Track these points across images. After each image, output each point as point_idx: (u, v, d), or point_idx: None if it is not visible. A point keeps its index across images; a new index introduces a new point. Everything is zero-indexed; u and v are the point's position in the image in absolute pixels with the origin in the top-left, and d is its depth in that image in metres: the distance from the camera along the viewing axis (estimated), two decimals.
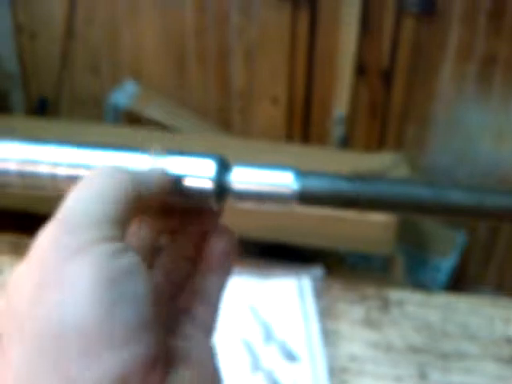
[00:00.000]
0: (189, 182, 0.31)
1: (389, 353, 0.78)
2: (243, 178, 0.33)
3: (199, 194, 0.32)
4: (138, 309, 0.25)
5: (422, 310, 0.86)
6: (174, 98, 1.80)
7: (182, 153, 0.32)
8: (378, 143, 1.84)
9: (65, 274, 0.25)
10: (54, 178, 0.32)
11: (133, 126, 1.68)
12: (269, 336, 0.79)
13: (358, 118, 1.81)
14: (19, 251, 0.95)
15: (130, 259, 0.27)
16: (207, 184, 0.31)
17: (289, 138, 1.85)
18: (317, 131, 1.85)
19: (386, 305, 0.87)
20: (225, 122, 1.81)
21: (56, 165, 0.32)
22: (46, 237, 0.27)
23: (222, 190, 0.32)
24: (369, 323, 0.83)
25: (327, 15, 1.68)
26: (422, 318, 0.85)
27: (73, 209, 0.27)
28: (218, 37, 1.74)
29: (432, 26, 1.66)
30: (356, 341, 0.80)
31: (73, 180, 0.32)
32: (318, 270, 0.90)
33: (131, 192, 0.28)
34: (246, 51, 1.75)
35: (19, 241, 0.99)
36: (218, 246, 0.34)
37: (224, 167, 0.33)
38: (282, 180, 0.33)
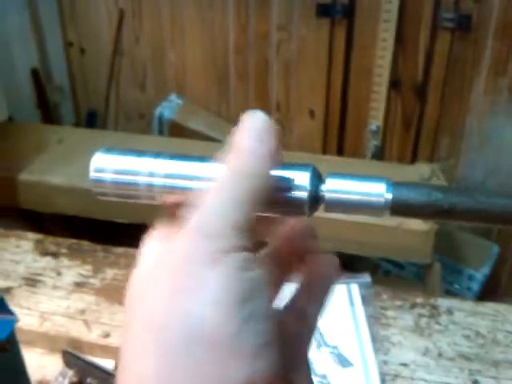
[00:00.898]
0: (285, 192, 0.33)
1: (440, 360, 0.83)
2: (336, 187, 0.34)
3: (294, 203, 0.32)
4: (266, 326, 0.26)
5: (471, 318, 0.91)
6: (216, 111, 1.88)
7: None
8: (411, 155, 1.89)
9: (201, 283, 0.25)
10: (150, 187, 0.33)
11: (177, 137, 1.75)
12: (321, 341, 0.84)
13: (393, 131, 1.86)
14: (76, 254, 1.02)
15: (260, 272, 0.27)
16: (302, 194, 0.32)
17: (325, 149, 1.90)
18: (352, 143, 1.91)
19: (435, 312, 0.92)
20: None
21: (152, 175, 0.33)
22: (181, 244, 0.26)
23: (315, 199, 0.32)
24: (419, 331, 0.88)
25: (364, 31, 1.74)
26: (472, 326, 0.89)
27: (208, 215, 0.27)
28: (259, 53, 1.81)
29: (467, 41, 1.70)
30: (407, 348, 0.85)
31: (168, 190, 0.32)
32: (366, 278, 0.96)
33: (260, 199, 0.28)
34: (284, 66, 1.82)
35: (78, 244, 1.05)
36: (324, 270, 0.34)
37: (317, 177, 0.33)
38: (375, 190, 0.33)
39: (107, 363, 0.83)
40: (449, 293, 1.74)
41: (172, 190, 0.33)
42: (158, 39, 1.84)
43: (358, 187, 0.33)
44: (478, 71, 1.74)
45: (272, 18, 1.75)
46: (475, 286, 1.76)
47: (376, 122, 1.84)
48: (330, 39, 1.75)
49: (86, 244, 1.07)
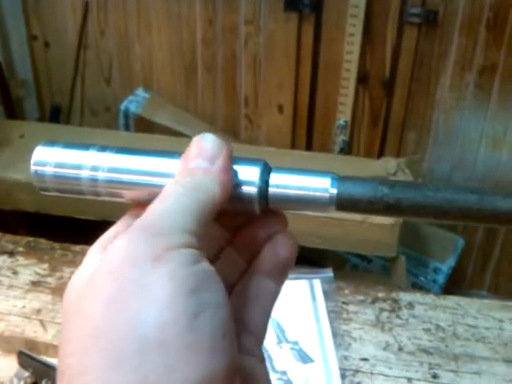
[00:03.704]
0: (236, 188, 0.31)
1: (400, 354, 0.83)
2: (282, 182, 0.32)
3: (244, 199, 0.31)
4: (220, 318, 0.25)
5: (431, 311, 0.91)
6: (183, 105, 1.86)
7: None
8: (379, 150, 1.89)
9: (143, 286, 0.24)
10: (93, 182, 0.32)
11: (143, 131, 1.73)
12: (281, 337, 0.84)
13: (360, 126, 1.86)
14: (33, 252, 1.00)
15: (206, 266, 0.26)
16: (252, 189, 0.31)
17: (294, 144, 1.90)
18: (320, 138, 1.91)
19: (396, 306, 0.92)
20: (232, 128, 1.87)
21: (96, 169, 0.32)
22: (121, 246, 0.25)
23: (264, 194, 0.32)
24: (380, 325, 0.88)
25: (332, 25, 1.73)
26: (432, 320, 0.89)
27: (153, 218, 0.26)
28: (226, 47, 1.79)
29: (433, 36, 1.71)
30: (368, 342, 0.85)
31: (112, 185, 0.32)
32: (328, 273, 0.95)
33: (211, 208, 0.28)
34: (252, 60, 1.80)
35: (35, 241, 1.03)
36: (281, 251, 0.33)
37: (267, 172, 0.32)
38: (320, 185, 0.32)
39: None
40: (415, 285, 1.75)
41: (117, 185, 0.32)
42: (124, 32, 1.81)
43: (302, 182, 0.32)
44: (444, 66, 1.75)
45: (240, 11, 1.74)
46: (441, 279, 1.77)
47: (344, 116, 1.84)
48: (299, 33, 1.75)
49: (43, 242, 1.04)
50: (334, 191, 0.32)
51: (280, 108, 1.85)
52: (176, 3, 1.73)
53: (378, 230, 1.39)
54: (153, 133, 1.71)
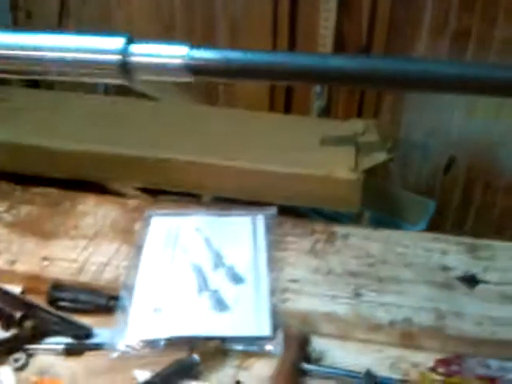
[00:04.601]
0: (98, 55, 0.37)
1: (328, 276, 0.87)
2: (141, 51, 0.38)
3: (106, 66, 0.37)
4: None
5: (364, 241, 0.95)
6: None
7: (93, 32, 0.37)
8: (356, 114, 1.92)
9: None
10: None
11: (122, 95, 1.77)
12: (218, 262, 0.88)
13: (338, 91, 1.88)
14: None
15: None
16: (114, 57, 0.37)
17: (272, 109, 1.93)
18: (299, 102, 1.93)
19: (332, 238, 0.96)
20: (209, 93, 1.90)
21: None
22: None
23: (126, 62, 0.37)
24: (314, 253, 0.92)
25: None
26: (364, 248, 0.94)
27: None
28: (205, 11, 1.82)
29: (406, 3, 1.73)
30: (300, 267, 0.89)
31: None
32: (272, 209, 1.00)
33: None
34: (231, 26, 1.84)
35: None
36: None
37: (131, 43, 0.38)
38: (178, 52, 0.38)
39: (14, 288, 0.87)
40: None
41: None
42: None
43: (161, 50, 0.38)
44: (419, 32, 1.77)
45: None
46: None
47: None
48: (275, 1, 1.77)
49: (4, 184, 1.10)
50: (189, 57, 0.37)
51: None
52: None
53: (339, 186, 1.41)
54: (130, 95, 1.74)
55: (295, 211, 1.68)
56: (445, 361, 0.76)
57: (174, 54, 0.39)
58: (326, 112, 1.92)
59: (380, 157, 1.47)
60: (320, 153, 1.37)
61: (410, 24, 1.76)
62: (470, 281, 0.87)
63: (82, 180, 1.25)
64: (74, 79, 0.40)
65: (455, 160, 1.93)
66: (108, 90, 1.79)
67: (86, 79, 0.37)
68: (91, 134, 1.30)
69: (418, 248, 0.94)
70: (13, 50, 0.40)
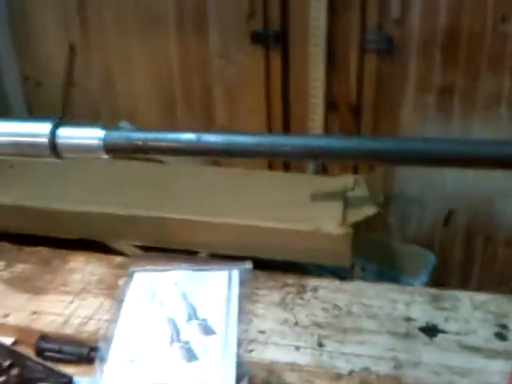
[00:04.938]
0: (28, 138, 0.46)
1: (294, 328, 0.92)
2: (66, 134, 0.47)
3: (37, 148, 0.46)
4: None
5: (333, 294, 1.00)
6: None
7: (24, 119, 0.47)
8: (352, 171, 1.99)
9: None
10: None
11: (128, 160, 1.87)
12: (192, 314, 0.94)
13: None
14: None
15: None
16: (43, 139, 0.47)
17: (271, 168, 2.01)
18: (295, 162, 2.01)
19: (302, 290, 1.01)
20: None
21: None
22: None
23: (54, 143, 0.47)
24: (283, 305, 0.97)
25: (297, 55, 1.86)
26: (332, 300, 0.98)
27: None
28: (201, 79, 1.94)
29: (391, 61, 1.82)
30: (268, 319, 0.94)
31: None
32: (247, 264, 1.06)
33: None
34: (226, 91, 1.95)
35: None
36: None
37: (58, 127, 0.48)
38: (93, 134, 0.47)
39: (6, 339, 0.94)
40: None
41: None
42: (107, 70, 1.98)
43: (76, 133, 0.48)
44: (405, 89, 1.85)
45: (211, 47, 1.89)
46: None
47: None
48: (267, 64, 1.88)
49: (5, 245, 1.18)
50: (104, 138, 0.47)
51: None
52: (152, 41, 1.90)
53: (328, 241, 1.45)
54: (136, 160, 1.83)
55: (294, 265, 1.73)
56: None
57: (91, 135, 0.48)
58: (323, 169, 1.99)
59: (369, 211, 1.52)
60: (310, 208, 1.43)
61: (396, 81, 1.84)
62: (431, 331, 0.91)
63: (85, 239, 1.32)
64: (16, 157, 0.50)
65: (454, 213, 1.97)
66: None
67: (25, 157, 0.47)
68: (94, 197, 1.38)
69: (384, 299, 0.99)
70: None
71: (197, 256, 1.18)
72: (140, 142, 0.48)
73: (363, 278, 1.82)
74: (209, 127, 1.99)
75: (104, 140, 0.48)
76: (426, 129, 1.86)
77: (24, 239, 1.27)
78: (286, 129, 1.96)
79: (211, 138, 0.47)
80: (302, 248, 1.49)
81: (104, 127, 0.47)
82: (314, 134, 1.93)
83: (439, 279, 2.02)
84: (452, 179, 1.90)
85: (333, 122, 1.94)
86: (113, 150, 0.48)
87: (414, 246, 1.98)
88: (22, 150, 0.48)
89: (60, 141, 0.49)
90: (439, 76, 1.81)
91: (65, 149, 0.49)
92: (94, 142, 0.48)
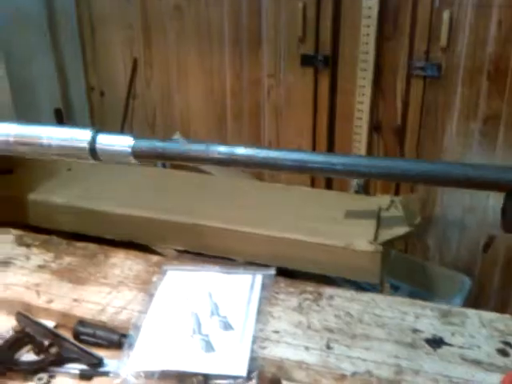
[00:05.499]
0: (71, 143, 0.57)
1: (307, 331, 0.99)
2: (103, 141, 0.57)
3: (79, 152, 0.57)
4: None
5: (347, 303, 1.06)
6: None
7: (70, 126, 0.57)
8: (394, 193, 2.03)
9: None
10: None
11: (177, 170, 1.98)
12: (214, 312, 1.02)
13: None
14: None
15: None
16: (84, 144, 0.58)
17: (313, 183, 2.08)
18: (339, 181, 2.08)
19: (318, 297, 1.08)
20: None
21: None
22: None
23: (94, 149, 0.57)
24: (299, 310, 1.04)
25: (344, 79, 1.94)
26: (346, 309, 1.05)
27: None
28: (251, 97, 2.04)
29: (438, 87, 1.86)
30: (284, 320, 1.02)
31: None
32: (271, 270, 1.14)
33: None
34: (274, 109, 2.04)
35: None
36: None
37: (97, 134, 0.58)
38: (124, 142, 0.57)
39: (48, 322, 1.05)
40: None
41: None
42: (166, 84, 2.12)
43: (111, 140, 0.57)
44: (450, 115, 1.89)
45: (262, 67, 1.99)
46: None
47: None
48: (315, 85, 1.96)
49: (55, 238, 1.31)
50: (131, 146, 0.56)
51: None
52: (209, 59, 2.02)
53: (358, 257, 1.50)
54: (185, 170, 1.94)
55: (326, 279, 1.78)
56: None
57: (123, 143, 0.58)
58: (365, 189, 2.04)
59: (401, 230, 1.56)
60: (344, 225, 1.49)
61: (441, 107, 1.88)
62: (436, 343, 0.96)
63: (130, 241, 1.43)
64: (59, 158, 0.59)
65: (494, 239, 1.98)
66: (166, 166, 1.97)
67: (69, 158, 0.57)
68: (141, 202, 1.49)
69: (395, 311, 1.04)
70: (26, 137, 0.59)
71: (228, 262, 1.26)
72: (161, 150, 0.58)
73: None
74: (256, 143, 2.09)
75: (132, 147, 0.58)
76: (469, 154, 1.89)
77: (73, 237, 1.39)
78: (330, 148, 2.03)
79: (218, 149, 0.55)
80: (332, 262, 1.55)
81: (134, 136, 0.57)
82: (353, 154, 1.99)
83: (476, 305, 2.03)
84: (494, 204, 1.91)
85: (376, 144, 1.99)
86: (140, 156, 0.58)
87: (451, 269, 2.00)
88: (67, 153, 0.58)
89: (98, 146, 0.59)
90: (485, 104, 1.84)
91: (101, 153, 0.59)
92: (125, 148, 0.58)
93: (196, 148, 0.56)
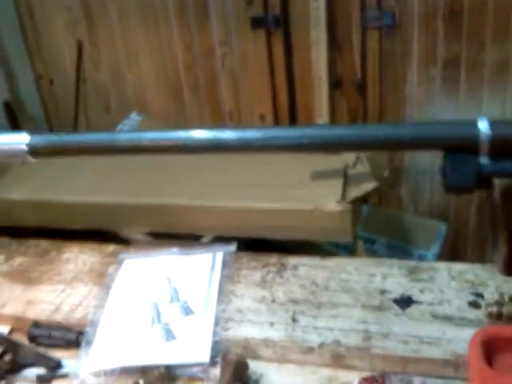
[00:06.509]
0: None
1: (271, 305, 0.95)
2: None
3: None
4: None
5: (313, 271, 1.02)
6: (175, 124, 2.04)
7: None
8: None
9: None
10: None
11: None
12: (174, 298, 0.97)
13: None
14: None
15: None
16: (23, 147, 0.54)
17: None
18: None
19: (282, 268, 1.04)
20: None
21: None
22: None
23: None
24: (263, 284, 1.00)
25: (298, 37, 1.87)
26: (311, 277, 1.00)
27: None
28: (206, 68, 1.97)
29: (394, 37, 1.81)
30: (247, 298, 0.97)
31: None
32: (231, 246, 1.09)
33: None
34: (231, 78, 1.97)
35: None
36: None
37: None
38: (18, 139, 0.52)
39: (2, 328, 1.00)
40: None
41: None
42: (115, 64, 2.03)
43: (4, 139, 0.53)
44: (409, 63, 1.84)
45: (212, 35, 1.91)
46: None
47: (323, 119, 1.96)
48: (269, 48, 1.89)
49: (5, 240, 1.24)
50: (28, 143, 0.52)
51: (262, 117, 2.00)
52: (156, 34, 1.94)
53: (328, 218, 1.47)
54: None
55: (308, 244, 1.75)
56: (368, 379, 0.82)
57: (17, 141, 0.53)
58: None
59: (368, 186, 1.52)
60: (311, 187, 1.45)
61: (399, 56, 1.83)
62: (404, 302, 0.92)
63: (97, 230, 1.38)
64: None
65: None
66: None
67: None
68: (102, 187, 1.43)
69: (362, 273, 1.00)
70: None
71: (191, 242, 1.21)
72: (60, 145, 0.52)
73: (370, 252, 1.84)
74: (216, 114, 2.03)
75: (28, 144, 0.53)
76: (432, 101, 1.84)
77: (36, 232, 1.33)
78: (292, 109, 1.98)
79: (125, 136, 0.51)
80: (302, 226, 1.51)
81: (30, 132, 0.52)
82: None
83: (454, 249, 2.01)
84: None
85: (339, 100, 1.94)
86: (38, 153, 0.53)
87: (426, 217, 1.98)
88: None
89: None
90: (443, 48, 1.79)
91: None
92: (20, 146, 0.53)
93: (98, 137, 0.51)
